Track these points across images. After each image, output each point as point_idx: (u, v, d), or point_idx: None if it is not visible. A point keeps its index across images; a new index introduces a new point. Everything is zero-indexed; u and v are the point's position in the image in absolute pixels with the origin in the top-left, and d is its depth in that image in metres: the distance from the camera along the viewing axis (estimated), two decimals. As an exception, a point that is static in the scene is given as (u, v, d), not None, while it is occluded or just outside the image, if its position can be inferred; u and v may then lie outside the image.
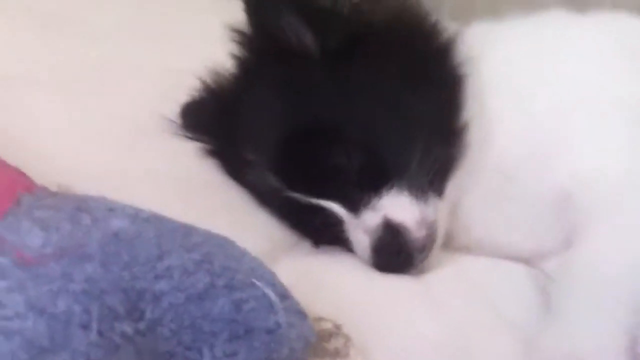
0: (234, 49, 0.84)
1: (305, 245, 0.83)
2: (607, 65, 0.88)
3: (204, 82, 0.89)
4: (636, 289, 0.68)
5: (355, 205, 0.78)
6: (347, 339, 0.59)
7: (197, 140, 0.88)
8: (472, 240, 0.85)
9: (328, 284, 0.74)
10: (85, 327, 0.45)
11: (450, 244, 0.85)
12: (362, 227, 0.77)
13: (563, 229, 0.80)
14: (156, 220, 0.53)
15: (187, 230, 0.54)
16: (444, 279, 0.78)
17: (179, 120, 0.89)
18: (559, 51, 0.88)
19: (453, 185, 0.82)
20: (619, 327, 0.66)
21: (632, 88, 0.85)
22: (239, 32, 0.83)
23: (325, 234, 0.81)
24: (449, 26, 0.86)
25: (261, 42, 0.82)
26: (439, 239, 0.80)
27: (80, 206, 0.51)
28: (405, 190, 0.77)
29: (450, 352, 0.68)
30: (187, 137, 0.89)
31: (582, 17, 1.00)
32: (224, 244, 0.55)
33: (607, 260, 0.71)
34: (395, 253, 0.77)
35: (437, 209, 0.79)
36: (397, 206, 0.77)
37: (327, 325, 0.59)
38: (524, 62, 0.86)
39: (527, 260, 0.86)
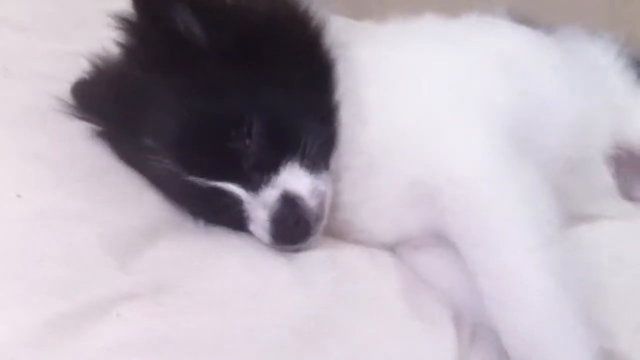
0: (119, 36, 0.87)
1: (190, 225, 0.86)
2: (478, 69, 0.95)
3: (93, 64, 0.91)
4: None
5: (254, 185, 0.82)
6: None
7: (89, 121, 0.90)
8: (340, 222, 0.90)
9: (207, 261, 0.78)
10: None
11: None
12: (262, 203, 0.82)
13: (425, 220, 0.86)
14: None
15: None
16: (316, 261, 0.83)
17: (70, 100, 0.91)
18: (434, 55, 0.95)
19: (334, 161, 0.87)
20: None
21: (498, 94, 0.92)
22: (125, 20, 0.85)
23: (224, 215, 0.84)
24: (317, 11, 0.91)
25: (149, 31, 0.85)
26: (327, 209, 0.85)
27: None
28: (298, 165, 0.83)
29: (317, 323, 0.73)
30: (78, 117, 0.90)
31: (457, 22, 1.07)
32: None
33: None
34: (294, 223, 0.82)
35: (327, 181, 0.85)
36: (292, 180, 0.82)
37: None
38: (401, 60, 0.93)
39: (393, 246, 0.92)
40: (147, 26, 0.85)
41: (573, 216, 0.95)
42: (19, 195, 0.75)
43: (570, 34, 1.20)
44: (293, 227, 0.82)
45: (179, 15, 0.84)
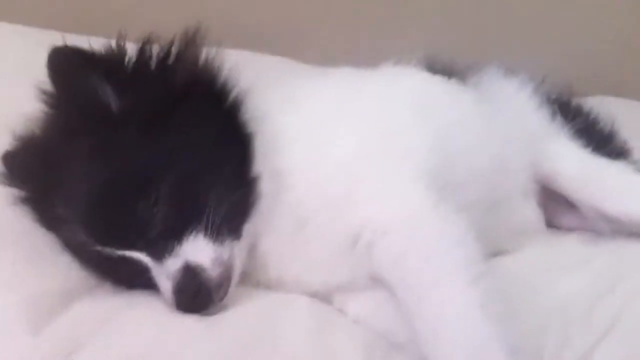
0: (43, 108, 0.88)
1: (106, 287, 0.87)
2: (396, 119, 0.98)
3: (17, 134, 0.92)
4: None
5: (159, 254, 0.83)
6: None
7: (14, 187, 0.91)
8: (271, 278, 0.92)
9: (121, 318, 0.80)
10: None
11: (249, 281, 0.91)
12: (166, 272, 0.83)
13: (359, 269, 0.88)
14: None
15: None
16: (231, 312, 0.85)
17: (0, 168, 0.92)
18: (352, 109, 0.99)
19: (249, 229, 0.89)
20: None
21: (417, 140, 0.96)
22: (46, 93, 0.87)
23: (135, 281, 0.86)
24: (239, 82, 0.93)
25: (65, 100, 0.87)
26: (236, 277, 0.86)
27: None
28: (202, 235, 0.84)
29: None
30: (6, 184, 0.91)
31: (372, 73, 1.12)
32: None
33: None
34: (195, 293, 0.82)
35: (234, 250, 0.86)
36: (195, 250, 0.83)
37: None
38: (319, 120, 0.95)
39: (324, 293, 0.92)
40: (63, 95, 0.87)
41: (495, 252, 1.00)
42: None
43: (486, 73, 1.25)
44: (194, 297, 0.83)
45: (92, 83, 0.86)
